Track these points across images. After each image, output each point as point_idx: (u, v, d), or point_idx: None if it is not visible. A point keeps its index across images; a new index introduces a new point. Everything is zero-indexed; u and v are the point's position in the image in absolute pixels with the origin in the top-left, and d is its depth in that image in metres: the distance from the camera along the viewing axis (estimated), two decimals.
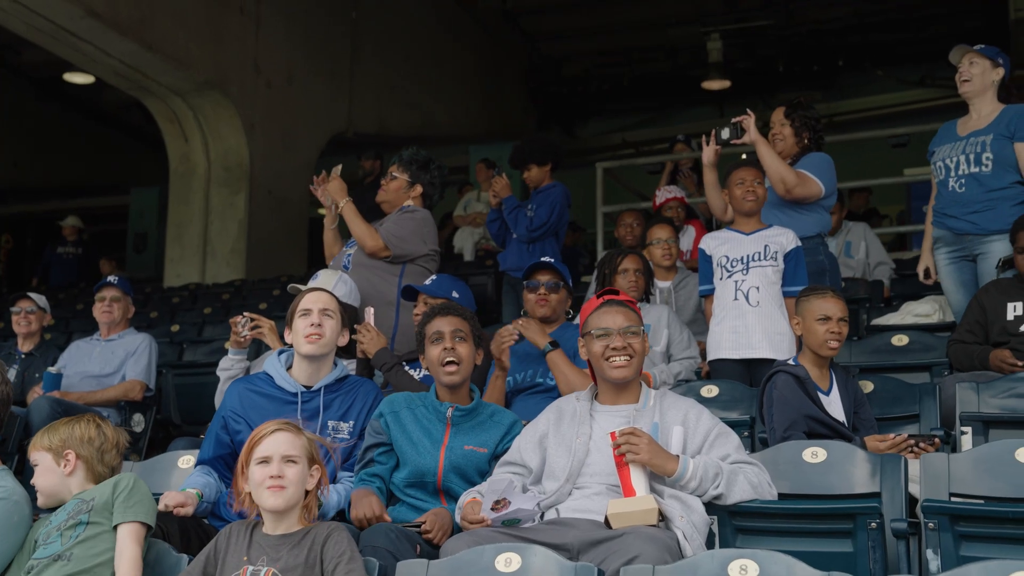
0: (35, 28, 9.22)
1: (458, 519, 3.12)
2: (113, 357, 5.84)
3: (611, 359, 3.18)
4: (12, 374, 5.96)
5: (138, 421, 5.77)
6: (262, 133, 11.22)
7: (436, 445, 3.42)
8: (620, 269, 5.01)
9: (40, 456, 3.04)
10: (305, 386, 3.57)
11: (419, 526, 3.15)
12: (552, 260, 4.44)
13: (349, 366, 4.53)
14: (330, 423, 3.52)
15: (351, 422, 3.54)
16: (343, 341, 3.66)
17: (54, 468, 3.01)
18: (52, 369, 5.63)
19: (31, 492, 3.10)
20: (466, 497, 3.17)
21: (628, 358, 3.17)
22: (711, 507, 3.02)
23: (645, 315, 4.90)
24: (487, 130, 14.99)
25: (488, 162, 10.81)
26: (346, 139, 12.91)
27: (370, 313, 4.54)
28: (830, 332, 3.76)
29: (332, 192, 5.24)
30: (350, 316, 4.47)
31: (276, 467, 2.75)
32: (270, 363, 3.63)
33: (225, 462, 3.49)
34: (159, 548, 2.96)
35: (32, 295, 6.22)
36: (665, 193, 7.18)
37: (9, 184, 16.24)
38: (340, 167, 5.38)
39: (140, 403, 5.81)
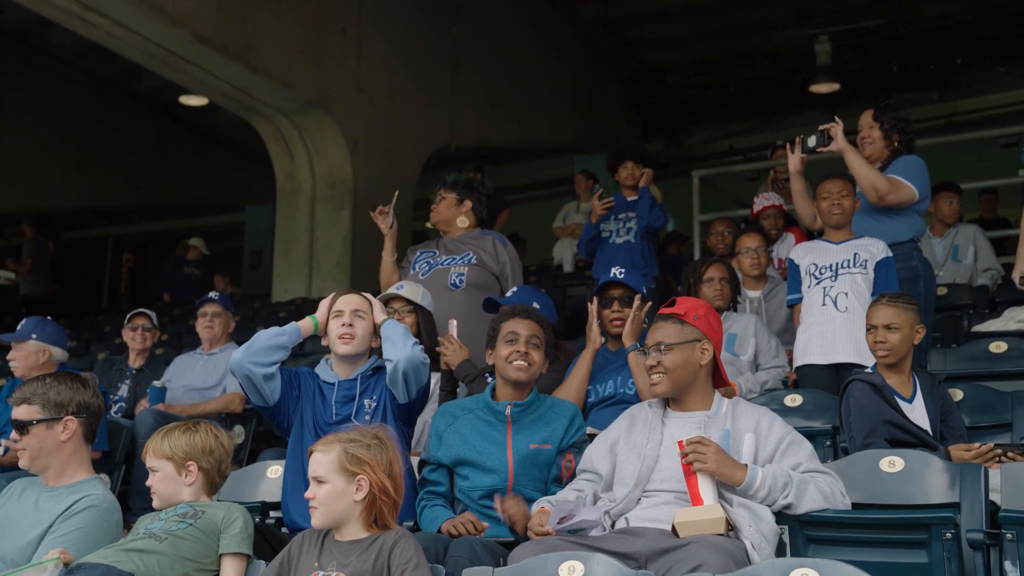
0: (149, 55, 9.67)
1: (529, 531, 3.13)
2: (215, 371, 6.04)
3: (651, 376, 3.22)
4: (124, 390, 6.23)
5: (238, 432, 5.95)
6: (365, 149, 11.48)
7: (501, 449, 3.45)
8: (705, 278, 4.98)
9: (160, 464, 3.10)
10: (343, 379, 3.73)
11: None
12: (624, 272, 4.44)
13: (435, 376, 4.63)
14: (366, 402, 3.65)
15: (375, 395, 3.67)
16: (376, 343, 3.75)
17: (175, 476, 3.09)
18: (157, 383, 5.86)
19: (143, 493, 3.21)
20: (538, 507, 3.20)
21: (660, 375, 3.20)
22: (781, 517, 2.99)
23: (732, 324, 4.87)
24: (589, 141, 15.01)
25: (587, 173, 10.82)
26: (448, 153, 13.10)
27: (453, 326, 4.62)
28: (876, 341, 3.70)
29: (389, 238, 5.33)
30: (427, 323, 4.58)
31: (311, 488, 2.82)
32: (320, 365, 3.82)
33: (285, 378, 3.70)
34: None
35: (147, 312, 6.50)
36: (763, 201, 7.09)
37: (132, 205, 16.96)
38: (398, 193, 5.49)
39: (241, 415, 6.00)
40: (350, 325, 3.69)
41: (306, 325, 3.79)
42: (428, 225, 5.69)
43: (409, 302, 4.65)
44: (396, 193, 5.52)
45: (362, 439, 2.87)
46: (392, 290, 4.71)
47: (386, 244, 5.42)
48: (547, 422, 3.49)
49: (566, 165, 14.73)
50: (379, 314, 3.71)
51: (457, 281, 5.20)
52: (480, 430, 3.50)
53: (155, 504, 3.15)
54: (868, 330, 3.75)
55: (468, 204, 5.41)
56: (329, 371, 3.78)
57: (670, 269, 8.59)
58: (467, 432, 3.51)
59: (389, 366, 3.54)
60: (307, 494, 2.82)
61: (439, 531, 3.27)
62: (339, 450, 2.84)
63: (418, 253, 5.42)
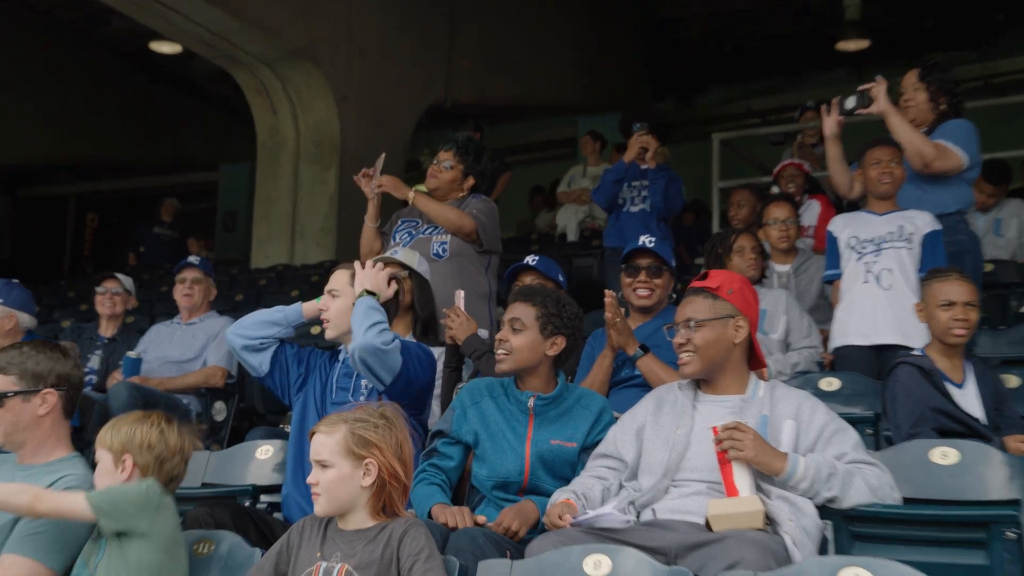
0: None
1: (545, 519, 3.12)
2: (194, 342, 6.01)
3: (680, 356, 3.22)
4: (96, 361, 6.19)
5: (219, 409, 5.94)
6: (354, 105, 11.39)
7: (520, 440, 3.43)
8: (736, 247, 4.95)
9: (102, 454, 3.07)
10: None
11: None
12: (654, 241, 4.40)
13: (437, 352, 4.60)
14: (363, 382, 3.69)
15: None
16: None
17: (111, 471, 3.04)
18: (131, 353, 5.83)
19: None
20: (559, 496, 3.18)
21: (689, 355, 3.20)
22: (825, 511, 2.97)
23: (761, 299, 4.83)
24: (595, 100, 14.91)
25: (595, 134, 10.76)
26: (443, 110, 13.01)
27: (460, 296, 4.59)
28: (954, 319, 3.65)
29: (390, 188, 5.34)
30: (423, 292, 4.55)
31: (313, 473, 2.80)
32: None
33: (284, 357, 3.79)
34: (231, 542, 3.06)
35: (119, 276, 6.45)
36: (784, 160, 7.08)
37: (94, 161, 16.82)
38: (384, 155, 5.47)
39: (222, 390, 5.98)
40: (323, 309, 3.77)
41: (310, 306, 3.83)
42: (420, 188, 5.67)
43: (405, 267, 4.61)
44: (382, 156, 5.49)
45: (369, 418, 2.83)
46: (387, 254, 4.68)
47: (369, 209, 5.45)
48: (572, 417, 3.47)
49: (570, 125, 14.64)
50: (359, 284, 3.71)
51: (440, 251, 5.22)
52: (504, 414, 3.49)
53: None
54: (944, 306, 3.67)
55: (471, 182, 5.42)
56: (343, 348, 3.83)
57: (684, 241, 8.58)
58: (490, 415, 3.50)
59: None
60: (310, 479, 2.80)
61: (429, 515, 3.26)
62: (344, 431, 2.80)
63: (400, 221, 5.43)
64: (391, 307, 3.85)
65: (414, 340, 4.06)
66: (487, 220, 5.32)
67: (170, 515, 2.99)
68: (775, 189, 6.68)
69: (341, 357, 3.79)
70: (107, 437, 3.06)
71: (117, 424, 3.09)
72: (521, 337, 3.51)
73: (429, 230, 5.32)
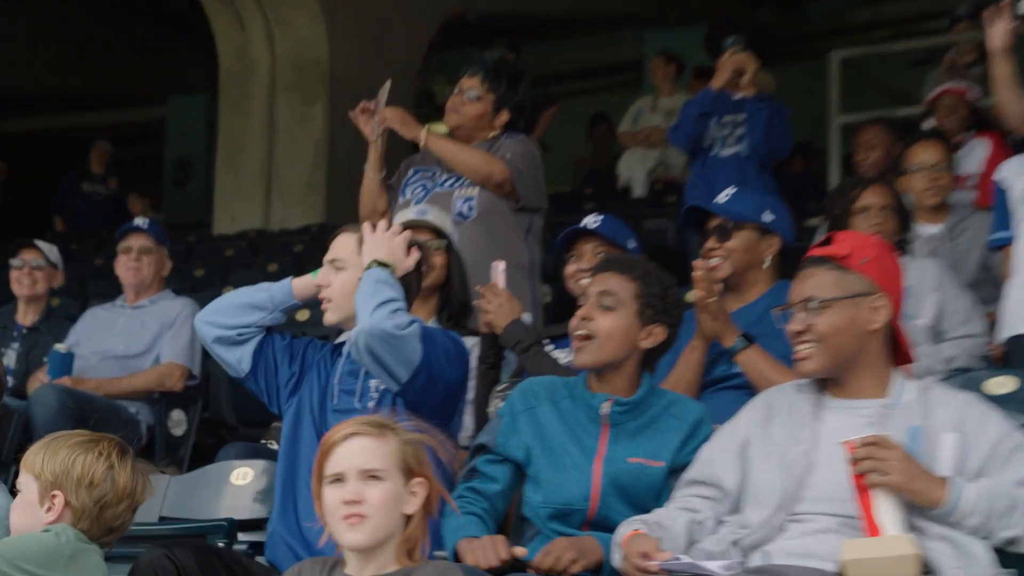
0: None
1: (617, 560, 3.13)
2: (143, 330, 6.03)
3: (795, 347, 3.20)
4: (11, 357, 6.25)
5: (178, 421, 5.97)
6: (348, 20, 11.42)
7: (588, 457, 3.44)
8: (858, 206, 4.91)
9: (26, 482, 3.06)
10: None
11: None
12: (728, 197, 4.40)
13: (469, 343, 4.61)
14: (372, 383, 3.70)
15: None
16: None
17: (34, 505, 3.03)
18: (60, 347, 5.86)
19: None
20: (627, 528, 3.18)
21: (811, 346, 3.18)
22: (1005, 557, 2.96)
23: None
24: (668, 10, 14.84)
25: (668, 56, 10.72)
26: (465, 25, 12.99)
27: (500, 269, 4.58)
28: None
29: (396, 122, 5.34)
30: (461, 268, 4.55)
31: (352, 488, 2.80)
32: None
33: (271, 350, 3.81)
34: None
35: (40, 244, 6.49)
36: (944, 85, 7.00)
37: (2, 92, 16.92)
38: (389, 83, 5.48)
39: (181, 396, 6.01)
40: (323, 286, 3.78)
41: (301, 283, 3.82)
42: (438, 127, 5.69)
43: (439, 234, 4.64)
44: (387, 83, 5.52)
45: (412, 430, 2.90)
46: (413, 215, 4.69)
47: (371, 156, 5.48)
48: (659, 429, 3.48)
49: (634, 44, 14.59)
50: (367, 254, 3.71)
51: (465, 209, 5.26)
52: (566, 426, 3.50)
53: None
54: None
55: (504, 116, 5.45)
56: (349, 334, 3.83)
57: (791, 193, 8.51)
58: (549, 424, 3.51)
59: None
60: (350, 495, 2.79)
61: (455, 555, 3.29)
62: (398, 438, 2.85)
63: (411, 172, 5.46)
64: (412, 285, 3.84)
65: (439, 327, 4.05)
66: (526, 167, 5.34)
67: (91, 570, 3.00)
68: (929, 125, 6.62)
69: (345, 350, 3.80)
70: (37, 461, 3.06)
71: (52, 445, 3.08)
72: (612, 318, 3.51)
73: (449, 182, 5.36)
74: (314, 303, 3.85)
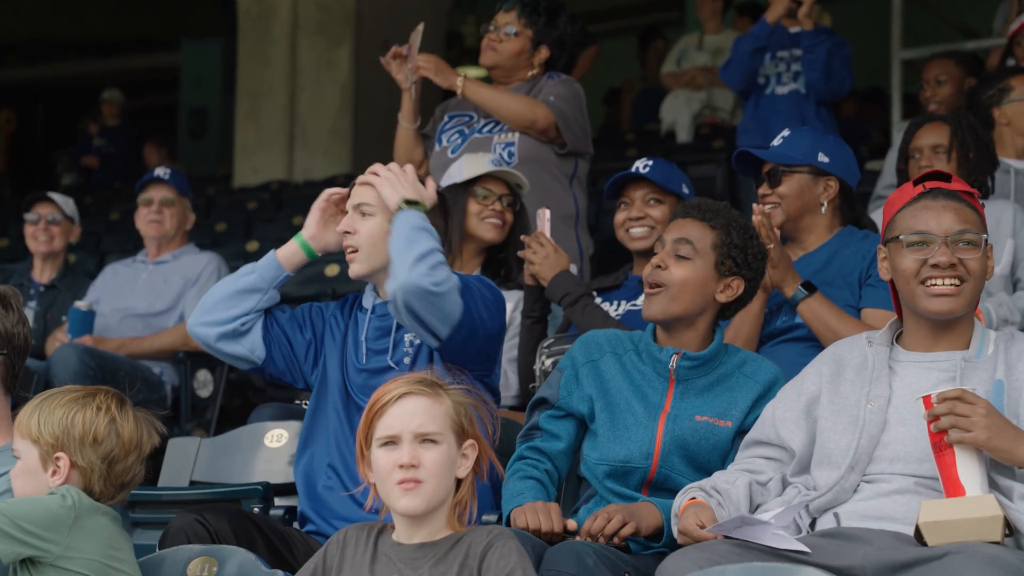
0: None
1: (675, 528, 3.14)
2: (166, 287, 6.07)
3: (931, 283, 3.13)
4: (29, 316, 6.24)
5: (204, 382, 6.01)
6: None
7: (653, 413, 3.45)
8: (913, 148, 4.86)
9: (24, 448, 3.04)
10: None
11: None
12: (788, 134, 4.37)
13: (514, 298, 4.62)
14: (407, 336, 3.68)
15: None
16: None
17: (37, 471, 3.02)
18: (80, 304, 5.89)
19: None
20: (683, 498, 3.18)
21: (957, 283, 3.12)
22: None
23: None
24: None
25: None
26: None
27: (544, 217, 4.58)
28: None
29: (430, 71, 5.32)
30: (524, 227, 4.56)
31: (408, 451, 2.80)
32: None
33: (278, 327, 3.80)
34: (241, 559, 3.10)
35: (55, 196, 6.50)
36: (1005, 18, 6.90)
37: (7, 38, 16.90)
38: (422, 27, 5.44)
39: (207, 355, 5.96)
40: (350, 233, 3.71)
41: (287, 252, 3.77)
42: (473, 72, 5.66)
43: (510, 188, 4.71)
44: (420, 27, 5.47)
45: (462, 389, 2.92)
46: (488, 165, 4.74)
47: (404, 103, 5.46)
48: (729, 387, 3.48)
49: None
50: (391, 196, 3.63)
51: (506, 155, 5.25)
52: (630, 380, 3.50)
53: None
54: None
55: (544, 53, 5.43)
56: (370, 292, 3.82)
57: (850, 137, 8.46)
58: (612, 378, 3.51)
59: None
60: (406, 459, 2.79)
61: (507, 521, 3.32)
62: (451, 401, 2.86)
63: (446, 118, 5.45)
64: (439, 227, 3.81)
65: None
66: (571, 109, 5.33)
67: (97, 532, 2.99)
68: (1011, 62, 6.53)
69: (369, 304, 3.78)
70: (32, 423, 3.03)
71: (46, 405, 3.05)
72: (688, 267, 3.50)
73: (488, 127, 5.36)
74: (309, 265, 3.83)
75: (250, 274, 3.75)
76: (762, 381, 3.48)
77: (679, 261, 3.51)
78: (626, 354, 3.55)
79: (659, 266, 3.50)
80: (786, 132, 4.41)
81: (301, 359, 3.80)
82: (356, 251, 3.70)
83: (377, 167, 3.70)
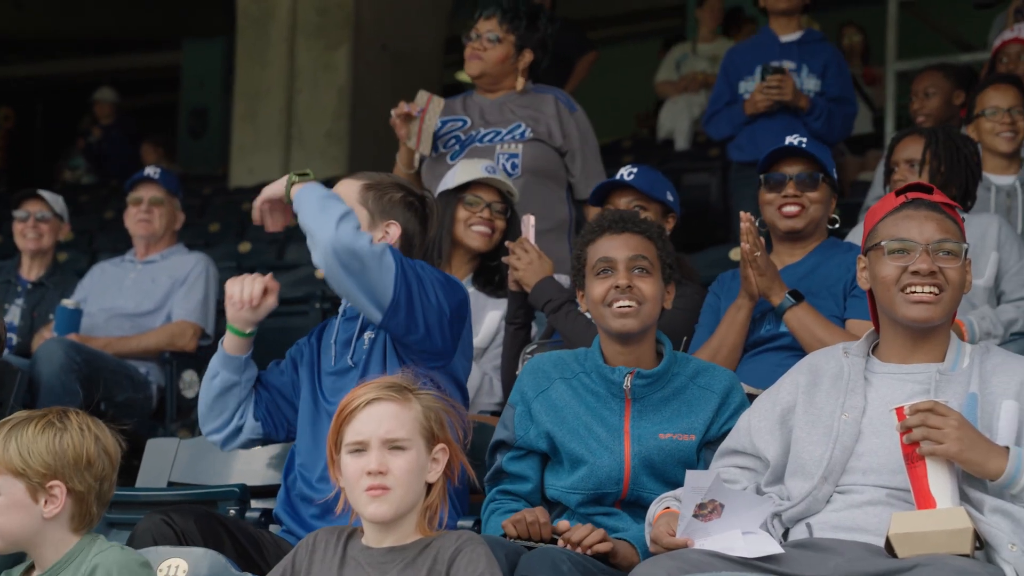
0: None
1: (648, 538, 3.15)
2: (154, 287, 6.07)
3: (910, 289, 3.14)
4: (16, 314, 6.28)
5: (190, 382, 6.01)
6: None
7: (615, 436, 3.44)
8: (892, 161, 4.87)
9: (4, 482, 2.91)
10: None
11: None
12: (805, 141, 4.35)
13: (493, 314, 4.63)
14: (366, 335, 3.67)
15: None
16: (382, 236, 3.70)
17: (26, 504, 2.91)
18: (67, 303, 5.88)
19: None
20: (657, 508, 3.19)
21: (936, 291, 3.13)
22: None
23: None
24: None
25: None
26: None
27: (529, 223, 4.58)
28: None
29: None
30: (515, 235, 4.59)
31: (376, 458, 2.80)
32: None
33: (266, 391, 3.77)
34: (211, 561, 3.08)
35: (45, 194, 6.50)
36: (1007, 33, 6.85)
37: (8, 35, 16.91)
38: (442, 103, 5.33)
39: (193, 356, 6.04)
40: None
41: (229, 341, 3.72)
42: (462, 76, 5.66)
43: (502, 196, 4.71)
44: (430, 99, 5.30)
45: (431, 393, 2.91)
46: (481, 171, 4.71)
47: (402, 152, 5.39)
48: (687, 401, 3.48)
49: None
50: (277, 186, 3.67)
51: (509, 167, 5.23)
52: (585, 404, 3.50)
53: None
54: None
55: (528, 57, 5.42)
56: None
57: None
58: (566, 405, 3.50)
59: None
60: (375, 467, 2.79)
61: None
62: (420, 405, 2.86)
63: (439, 123, 5.40)
64: (415, 239, 3.81)
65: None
66: (591, 153, 5.44)
67: None
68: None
69: (342, 307, 3.80)
70: (12, 456, 2.90)
71: (18, 435, 2.92)
72: (651, 282, 3.51)
73: (489, 136, 5.34)
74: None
75: (215, 376, 3.72)
76: (719, 391, 3.48)
77: (642, 277, 3.51)
78: (575, 377, 3.53)
79: (630, 286, 3.48)
80: (800, 138, 4.39)
81: (296, 400, 3.80)
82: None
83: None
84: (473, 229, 4.69)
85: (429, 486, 2.87)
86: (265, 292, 3.60)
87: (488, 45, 5.34)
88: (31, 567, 3.02)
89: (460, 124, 5.40)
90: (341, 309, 3.80)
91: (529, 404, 3.53)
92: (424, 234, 3.86)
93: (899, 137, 4.99)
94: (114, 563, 2.89)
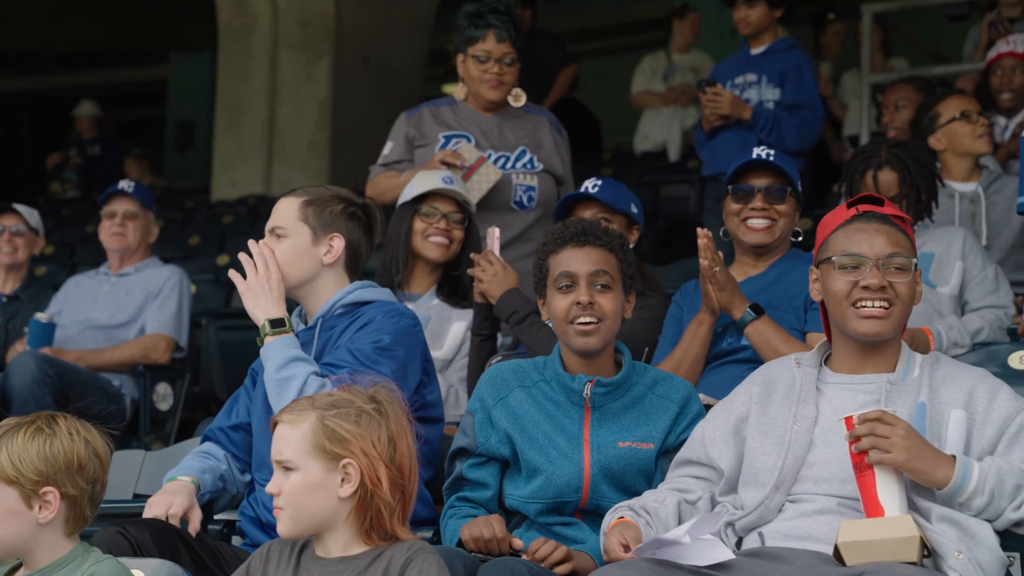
0: None
1: (604, 547, 3.14)
2: (128, 300, 6.06)
3: (861, 304, 3.15)
4: None
5: (164, 395, 6.02)
6: None
7: (574, 444, 3.44)
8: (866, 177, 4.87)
9: None
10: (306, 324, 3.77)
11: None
12: (773, 155, 4.36)
13: (458, 325, 4.62)
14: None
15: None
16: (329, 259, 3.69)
17: (20, 511, 2.90)
18: (41, 316, 5.88)
19: None
20: (612, 517, 3.20)
21: (886, 306, 3.14)
22: (1009, 539, 2.97)
23: (926, 238, 4.80)
24: None
25: (683, 9, 10.53)
26: None
27: (494, 235, 4.59)
28: None
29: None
30: (475, 250, 4.59)
31: (273, 480, 2.82)
32: None
33: (236, 434, 3.76)
34: (171, 572, 3.06)
35: (20, 208, 6.50)
36: (1003, 45, 6.81)
37: None
38: (497, 177, 5.18)
39: (167, 368, 6.06)
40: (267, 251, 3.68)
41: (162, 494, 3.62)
42: (450, 89, 5.63)
43: (459, 206, 4.70)
44: (482, 160, 5.19)
45: (350, 403, 2.84)
46: (439, 182, 4.69)
47: (415, 172, 5.13)
48: (646, 410, 3.48)
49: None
50: (254, 311, 3.64)
51: (525, 200, 5.21)
52: (544, 412, 3.49)
53: None
54: None
55: (515, 71, 5.34)
56: (296, 317, 3.81)
57: (812, 161, 8.45)
58: (526, 413, 3.50)
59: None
60: (269, 487, 2.82)
61: (460, 544, 3.33)
62: (313, 421, 2.81)
63: (441, 139, 5.31)
64: (361, 249, 3.78)
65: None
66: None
67: None
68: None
69: (296, 328, 3.75)
70: (2, 462, 2.90)
71: (8, 443, 2.92)
72: (611, 298, 3.50)
73: (500, 161, 5.25)
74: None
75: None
76: (677, 400, 3.48)
77: (603, 292, 3.50)
78: (535, 385, 3.53)
79: (591, 302, 3.46)
80: (767, 150, 4.38)
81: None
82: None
83: (235, 276, 3.69)
84: (430, 240, 4.69)
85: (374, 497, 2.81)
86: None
87: (507, 69, 5.25)
88: (17, 566, 3.01)
89: (465, 141, 5.29)
90: (296, 331, 3.72)
91: (489, 411, 3.52)
92: (370, 243, 3.83)
93: (866, 168, 4.92)
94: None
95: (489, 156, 5.22)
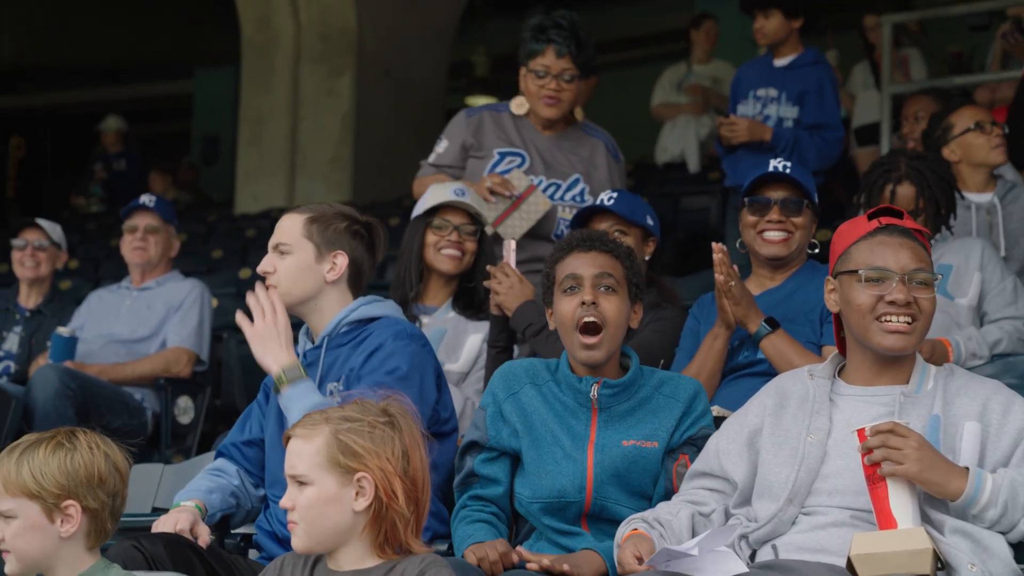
0: None
1: (618, 559, 3.14)
2: (149, 313, 6.09)
3: (885, 319, 3.13)
4: (14, 342, 6.31)
5: (185, 408, 6.04)
6: None
7: (579, 444, 3.44)
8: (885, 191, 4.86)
9: (19, 505, 2.92)
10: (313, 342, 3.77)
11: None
12: (790, 167, 4.35)
13: (474, 338, 4.63)
14: (330, 386, 3.64)
15: (342, 377, 3.63)
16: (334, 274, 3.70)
17: (43, 525, 2.93)
18: (63, 330, 5.90)
19: None
20: (626, 528, 3.20)
21: (910, 321, 3.13)
22: (1023, 550, 2.96)
23: (944, 250, 4.79)
24: None
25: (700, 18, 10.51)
26: None
27: (510, 248, 4.59)
28: None
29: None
30: (490, 262, 4.59)
31: (287, 494, 2.83)
32: None
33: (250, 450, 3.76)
34: None
35: (43, 222, 6.53)
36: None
37: (20, 64, 16.95)
38: (546, 208, 5.13)
39: (189, 382, 6.07)
40: (271, 272, 3.71)
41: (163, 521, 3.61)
42: (475, 101, 5.58)
43: (471, 219, 4.69)
44: (532, 189, 5.12)
45: (363, 416, 2.84)
46: (451, 194, 4.69)
47: (473, 185, 5.09)
48: (652, 410, 3.48)
49: (683, 8, 14.48)
50: (263, 358, 3.63)
51: (558, 229, 5.17)
52: (553, 412, 3.50)
53: (10, 570, 2.98)
54: None
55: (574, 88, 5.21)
56: (303, 335, 3.81)
57: (836, 170, 8.40)
58: (534, 411, 3.50)
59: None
60: (283, 502, 2.83)
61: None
62: (327, 435, 2.81)
63: (496, 155, 5.24)
64: (363, 266, 3.78)
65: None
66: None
67: None
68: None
69: (300, 350, 3.77)
70: (25, 478, 2.92)
71: (30, 458, 2.94)
72: (616, 301, 3.51)
73: (551, 189, 5.19)
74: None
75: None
76: (683, 398, 3.48)
77: (608, 295, 3.51)
78: (545, 384, 3.53)
79: (593, 303, 3.47)
80: (784, 162, 4.38)
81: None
82: (276, 287, 3.66)
83: (243, 321, 3.64)
84: (443, 253, 4.70)
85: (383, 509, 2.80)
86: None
87: (566, 86, 5.14)
88: None
89: (519, 162, 5.23)
90: (301, 352, 3.74)
91: (500, 405, 3.53)
92: (373, 260, 3.84)
93: (885, 182, 4.91)
94: None
95: (540, 183, 5.17)
